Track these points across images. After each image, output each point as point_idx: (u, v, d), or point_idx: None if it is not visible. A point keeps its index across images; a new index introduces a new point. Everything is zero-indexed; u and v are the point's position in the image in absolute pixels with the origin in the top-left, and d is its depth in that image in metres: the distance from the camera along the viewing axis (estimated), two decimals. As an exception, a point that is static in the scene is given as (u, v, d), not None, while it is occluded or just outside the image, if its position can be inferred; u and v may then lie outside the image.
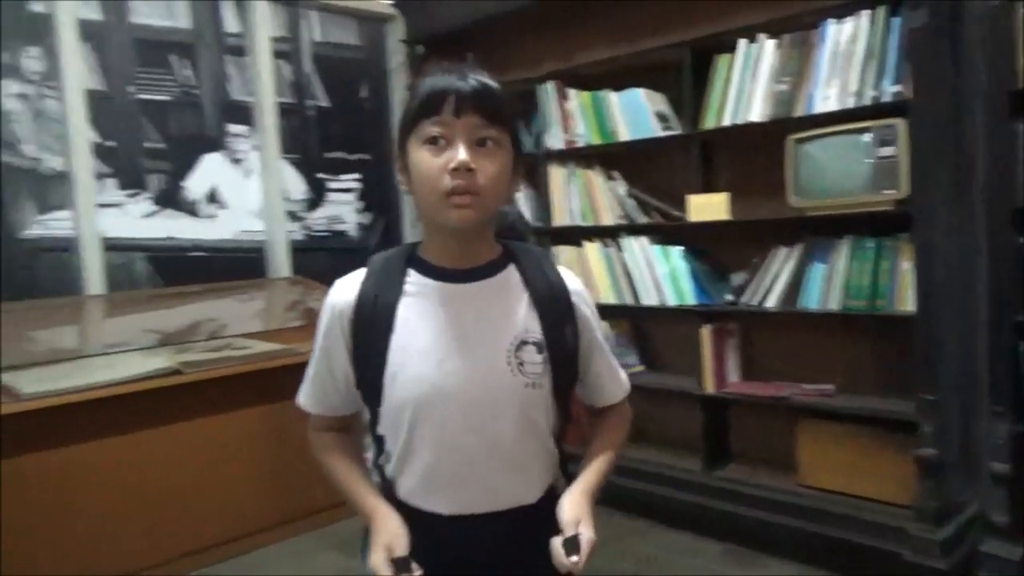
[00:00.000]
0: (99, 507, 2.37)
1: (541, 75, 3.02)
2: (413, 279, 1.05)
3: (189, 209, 3.25)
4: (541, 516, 1.03)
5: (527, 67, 3.20)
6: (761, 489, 2.49)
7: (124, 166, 3.07)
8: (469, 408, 1.01)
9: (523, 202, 3.19)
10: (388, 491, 1.07)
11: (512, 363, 1.01)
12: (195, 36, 3.28)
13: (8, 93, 2.77)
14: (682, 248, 2.68)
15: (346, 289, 1.06)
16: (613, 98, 2.81)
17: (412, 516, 1.03)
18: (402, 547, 0.99)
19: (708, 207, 2.55)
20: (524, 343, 1.02)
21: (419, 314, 1.03)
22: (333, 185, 3.75)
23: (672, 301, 2.71)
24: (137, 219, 3.10)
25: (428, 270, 1.05)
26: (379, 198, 3.89)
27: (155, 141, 3.16)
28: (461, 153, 0.95)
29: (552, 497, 1.06)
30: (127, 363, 2.57)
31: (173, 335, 3.03)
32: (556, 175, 3.02)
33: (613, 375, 1.16)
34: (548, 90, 2.99)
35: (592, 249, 2.92)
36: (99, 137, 2.99)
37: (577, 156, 2.96)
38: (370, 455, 1.10)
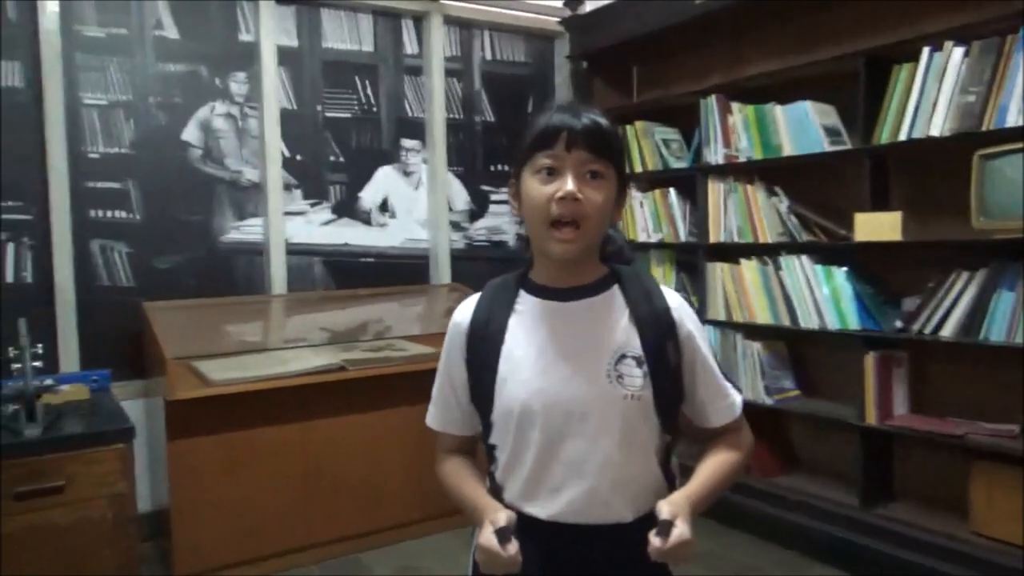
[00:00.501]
0: (266, 487, 2.62)
1: (704, 88, 2.97)
2: (523, 299, 1.13)
3: (363, 218, 3.51)
4: (635, 538, 1.01)
5: (691, 81, 3.17)
6: (926, 532, 2.30)
7: (309, 178, 3.37)
8: (570, 416, 1.05)
9: (679, 218, 3.16)
10: (497, 496, 1.13)
11: (612, 375, 1.05)
12: (377, 58, 3.54)
13: (218, 113, 3.15)
14: (846, 269, 2.53)
15: (464, 310, 1.17)
16: (779, 111, 2.71)
17: (518, 519, 1.07)
18: (504, 519, 1.02)
19: (878, 226, 2.39)
20: (624, 357, 1.06)
21: (526, 329, 1.10)
22: (495, 197, 3.90)
23: (834, 325, 2.56)
24: (317, 226, 3.39)
25: (536, 290, 1.13)
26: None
27: (337, 155, 3.45)
28: (569, 184, 1.01)
29: (652, 522, 1.03)
30: (300, 358, 2.83)
31: (342, 334, 3.29)
32: (714, 190, 2.95)
33: (722, 394, 1.14)
34: (711, 104, 2.94)
35: (749, 267, 2.83)
36: (289, 152, 3.31)
37: (737, 171, 2.88)
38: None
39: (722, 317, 2.93)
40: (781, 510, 2.70)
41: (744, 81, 2.88)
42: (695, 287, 3.10)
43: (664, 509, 0.99)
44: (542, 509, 1.08)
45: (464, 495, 1.14)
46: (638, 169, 3.32)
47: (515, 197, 1.12)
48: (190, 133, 3.09)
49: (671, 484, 1.12)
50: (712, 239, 2.98)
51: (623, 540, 1.07)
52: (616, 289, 1.11)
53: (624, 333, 1.08)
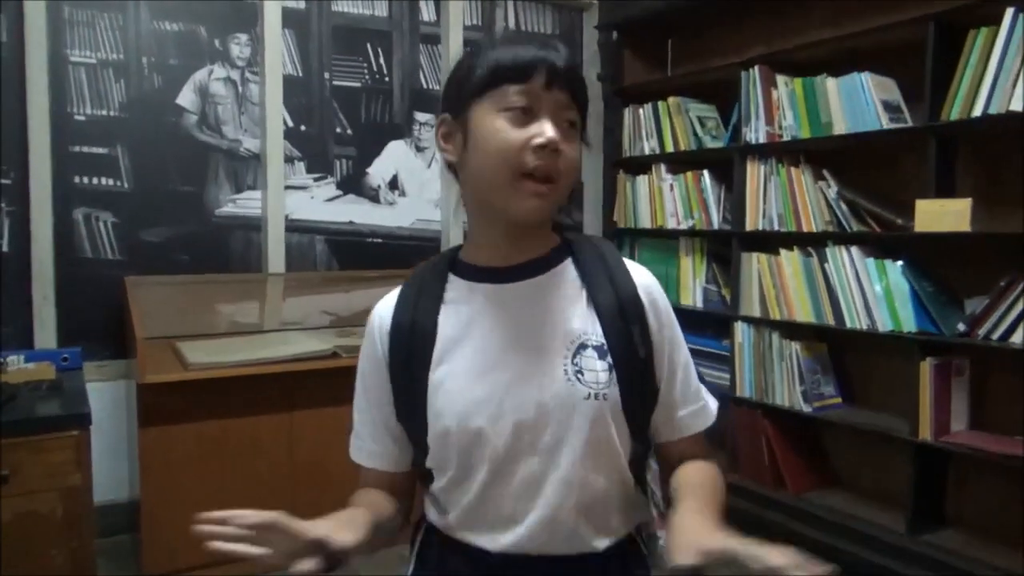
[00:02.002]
0: (246, 481, 2.39)
1: (746, 60, 2.67)
2: (454, 285, 0.92)
3: (371, 195, 3.27)
4: (609, 570, 0.88)
5: (730, 52, 2.88)
6: (980, 565, 2.01)
7: (313, 150, 3.14)
8: (521, 427, 0.85)
9: (712, 203, 2.87)
10: (440, 523, 0.93)
11: (570, 371, 0.85)
12: (392, 24, 3.30)
13: (216, 77, 2.92)
14: (903, 263, 2.23)
15: (382, 309, 0.95)
16: (831, 84, 2.40)
17: (454, 551, 0.91)
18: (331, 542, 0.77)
19: (942, 215, 2.09)
20: (584, 347, 0.86)
21: (460, 323, 0.89)
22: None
23: (885, 326, 2.26)
24: (321, 203, 3.16)
25: (470, 273, 0.92)
26: (561, 194, 3.71)
27: (344, 127, 3.21)
28: (550, 130, 0.81)
29: (631, 549, 0.90)
30: (292, 342, 2.60)
31: (344, 318, 3.05)
32: (753, 172, 2.66)
33: (699, 396, 0.95)
34: (753, 76, 2.64)
35: (790, 259, 2.53)
36: (292, 121, 3.08)
37: (781, 151, 2.59)
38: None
39: (757, 313, 2.64)
40: (816, 531, 2.41)
41: (791, 52, 2.57)
42: (728, 279, 2.81)
43: (681, 554, 0.71)
44: (492, 541, 0.87)
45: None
46: (669, 149, 3.03)
47: (448, 139, 0.89)
48: (185, 97, 2.87)
49: (650, 501, 0.94)
50: (749, 227, 2.68)
51: (593, 573, 0.88)
52: (569, 263, 0.92)
53: (582, 318, 0.88)
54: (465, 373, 0.87)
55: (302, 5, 3.08)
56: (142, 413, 2.24)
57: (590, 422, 0.85)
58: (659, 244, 3.14)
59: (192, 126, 2.89)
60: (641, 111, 3.14)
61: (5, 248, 2.60)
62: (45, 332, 2.64)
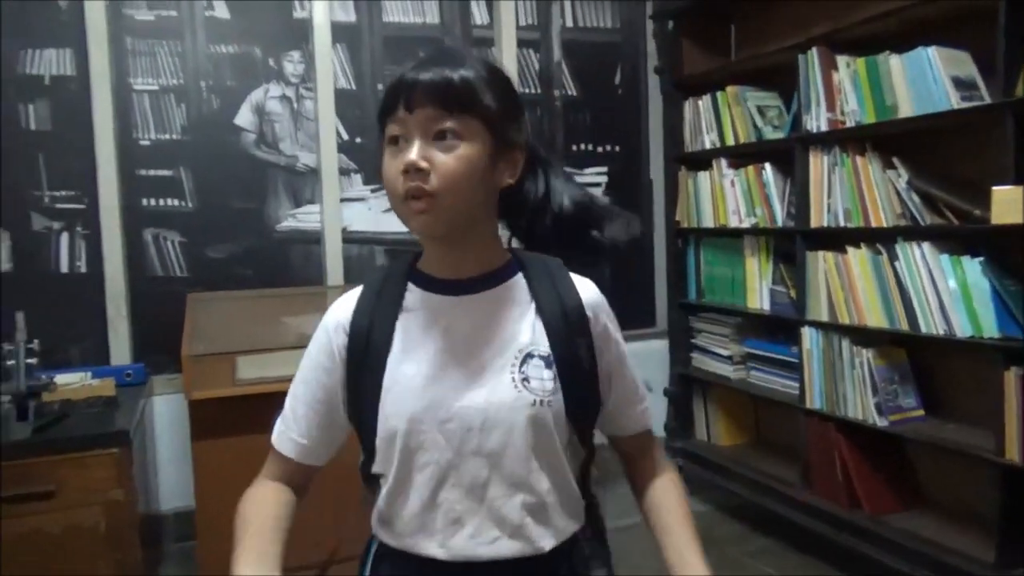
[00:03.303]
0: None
1: (804, 41, 2.46)
2: (412, 293, 0.96)
3: (427, 204, 3.26)
4: (555, 570, 0.94)
5: (792, 34, 2.66)
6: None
7: (370, 162, 3.16)
8: (468, 430, 0.90)
9: (776, 199, 2.66)
10: (385, 535, 0.97)
11: (516, 378, 0.91)
12: (443, 31, 3.27)
13: (272, 95, 3.00)
14: (982, 259, 1.98)
15: (341, 310, 0.98)
16: (895, 62, 2.17)
17: (405, 562, 0.94)
18: None
19: (1021, 204, 1.83)
20: (530, 356, 0.92)
21: (416, 329, 0.94)
22: (578, 179, 3.51)
23: (964, 331, 2.02)
24: (379, 213, 3.17)
25: (426, 282, 0.96)
26: (627, 192, 3.58)
27: (400, 136, 3.21)
28: (410, 152, 0.85)
29: (573, 549, 0.96)
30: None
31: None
32: (816, 164, 2.44)
33: (637, 397, 1.03)
34: (811, 58, 2.42)
35: (858, 257, 2.31)
36: (347, 134, 3.11)
37: (845, 139, 2.36)
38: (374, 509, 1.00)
39: (824, 318, 2.43)
40: (893, 557, 2.19)
41: (852, 28, 2.34)
42: (795, 280, 2.61)
43: None
44: (440, 548, 0.92)
45: (246, 535, 0.92)
46: (730, 142, 2.85)
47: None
48: (243, 117, 2.96)
49: (590, 499, 1.01)
50: (814, 223, 2.47)
51: (538, 572, 0.93)
52: (520, 278, 0.96)
53: (530, 330, 0.94)
54: (417, 377, 0.91)
55: (353, 18, 3.11)
56: (194, 427, 2.31)
57: (534, 427, 0.90)
58: (723, 244, 2.95)
59: (250, 144, 2.98)
60: (700, 103, 2.97)
61: (83, 269, 2.77)
62: (119, 348, 2.79)
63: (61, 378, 2.35)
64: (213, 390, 2.28)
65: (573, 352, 0.93)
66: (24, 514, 1.84)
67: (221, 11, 2.91)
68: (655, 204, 3.56)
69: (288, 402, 1.00)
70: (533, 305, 0.94)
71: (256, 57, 2.97)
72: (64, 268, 2.75)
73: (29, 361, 1.89)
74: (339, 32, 3.07)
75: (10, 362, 1.86)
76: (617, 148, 3.57)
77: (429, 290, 0.95)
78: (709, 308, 3.04)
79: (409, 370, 0.92)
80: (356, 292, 0.98)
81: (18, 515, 1.84)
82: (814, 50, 2.40)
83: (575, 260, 1.00)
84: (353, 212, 3.13)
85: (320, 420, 0.98)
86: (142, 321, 2.83)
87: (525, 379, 0.91)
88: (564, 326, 0.93)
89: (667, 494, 1.01)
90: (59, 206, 2.73)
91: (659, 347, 3.31)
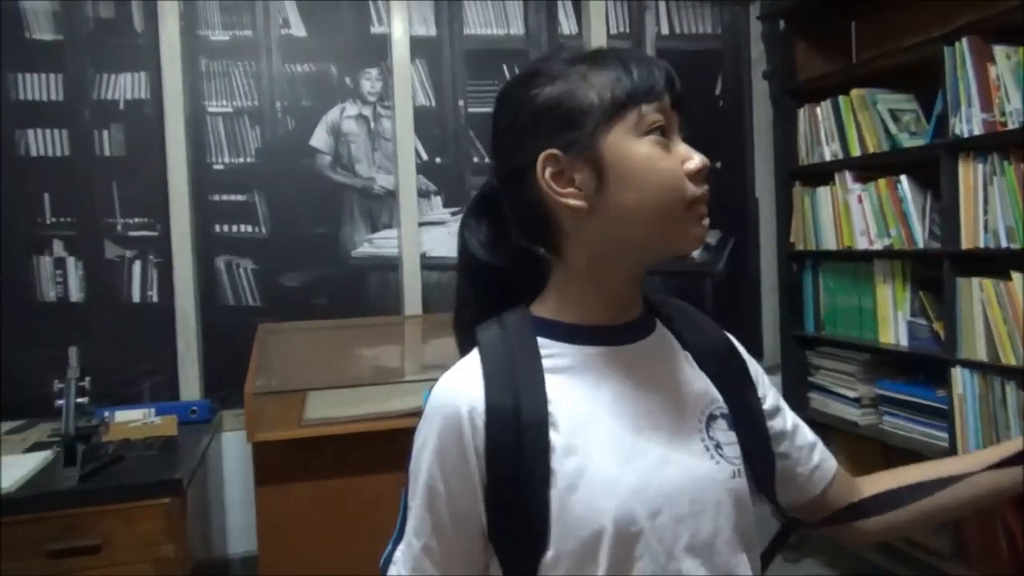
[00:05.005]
0: (362, 544, 2.19)
1: (950, 31, 2.10)
2: (554, 350, 0.75)
3: (511, 227, 3.03)
4: None
5: (929, 25, 2.29)
6: None
7: (450, 183, 2.96)
8: (679, 521, 0.70)
9: (915, 216, 2.29)
10: None
11: (709, 446, 0.75)
12: (528, 42, 3.06)
13: (348, 115, 2.84)
14: None
15: (463, 392, 0.72)
16: (1071, 50, 1.80)
17: None
18: None
19: None
20: (713, 417, 0.76)
21: (579, 396, 0.73)
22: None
23: None
24: (459, 238, 2.96)
25: (566, 333, 0.76)
26: (728, 213, 3.24)
27: (482, 156, 3.00)
28: (695, 153, 0.74)
29: None
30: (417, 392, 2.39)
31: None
32: (968, 173, 2.07)
33: (815, 440, 0.87)
34: (961, 51, 2.06)
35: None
36: (426, 154, 2.92)
37: (1004, 144, 1.98)
38: None
39: (983, 356, 2.03)
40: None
41: (1011, 13, 1.96)
42: (941, 311, 2.22)
43: None
44: None
45: None
46: (855, 152, 2.49)
47: (560, 180, 0.73)
48: (318, 138, 2.81)
49: None
50: (966, 244, 2.08)
51: None
52: (659, 324, 0.82)
53: (703, 385, 0.78)
54: (607, 461, 0.70)
55: (433, 32, 2.93)
56: (257, 470, 2.13)
57: (738, 505, 0.74)
58: (848, 269, 2.57)
59: (326, 166, 2.82)
60: (818, 110, 2.62)
61: (155, 299, 2.66)
62: (189, 381, 2.66)
63: (122, 415, 2.22)
64: (276, 432, 2.09)
65: (747, 404, 0.80)
66: (70, 571, 1.68)
67: (297, 29, 2.78)
68: (761, 224, 3.22)
69: (409, 524, 0.75)
70: (688, 354, 0.81)
71: (332, 75, 2.82)
72: (136, 298, 2.65)
73: (80, 400, 1.73)
74: (418, 47, 2.90)
75: (60, 402, 1.70)
76: (718, 164, 3.25)
77: (576, 342, 0.75)
78: (830, 342, 2.66)
79: (594, 452, 0.70)
80: (472, 370, 0.73)
81: (65, 571, 1.68)
82: (964, 41, 2.04)
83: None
84: (432, 237, 2.92)
85: (459, 544, 0.73)
86: (213, 353, 2.70)
87: (717, 445, 0.75)
88: (729, 375, 0.81)
89: (887, 474, 0.88)
90: (132, 234, 2.64)
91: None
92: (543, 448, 0.69)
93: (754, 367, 0.85)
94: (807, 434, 0.87)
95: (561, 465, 0.69)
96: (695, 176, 0.73)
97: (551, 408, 0.71)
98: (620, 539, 0.68)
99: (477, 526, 0.71)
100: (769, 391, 0.85)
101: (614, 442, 0.71)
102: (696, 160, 0.73)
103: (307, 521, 2.17)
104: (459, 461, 0.70)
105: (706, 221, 0.74)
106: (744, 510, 0.75)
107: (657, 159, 0.72)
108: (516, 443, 0.69)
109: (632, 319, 0.79)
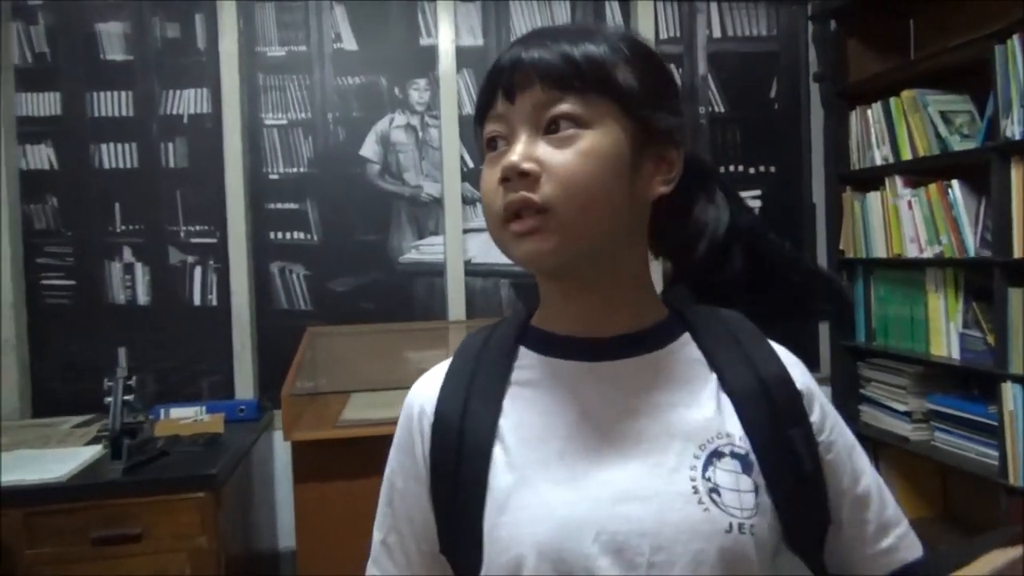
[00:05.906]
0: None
1: (1000, 29, 1.99)
2: (526, 361, 0.69)
3: (556, 234, 3.04)
4: None
5: (985, 21, 2.18)
6: None
7: (496, 190, 3.00)
8: (635, 568, 0.59)
9: (966, 223, 2.17)
10: None
11: (700, 488, 0.61)
12: (576, 49, 3.07)
13: (397, 125, 2.92)
14: None
15: (421, 392, 0.72)
16: None
17: None
18: None
19: None
20: (718, 454, 0.63)
21: (534, 413, 0.66)
22: (725, 204, 3.16)
23: None
24: (504, 244, 3.00)
25: (546, 344, 0.69)
26: (785, 218, 3.15)
27: (528, 163, 3.03)
28: (511, 154, 0.61)
29: None
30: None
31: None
32: (1019, 178, 1.96)
33: (897, 517, 0.71)
34: (1012, 49, 1.95)
35: (1080, 296, 1.80)
36: (472, 163, 2.98)
37: (1059, 148, 1.87)
38: None
39: (1035, 373, 1.92)
40: None
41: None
42: (994, 323, 2.10)
43: None
44: None
45: None
46: (906, 156, 2.38)
47: None
48: (368, 148, 2.91)
49: None
50: (1017, 253, 1.97)
51: None
52: (688, 340, 0.69)
53: (715, 415, 0.64)
54: (546, 483, 0.63)
55: (480, 42, 2.98)
56: (296, 469, 2.22)
57: (728, 567, 0.60)
58: (899, 277, 2.47)
59: (375, 175, 2.91)
60: (869, 112, 2.53)
61: (214, 302, 2.81)
62: (244, 381, 2.80)
63: (176, 412, 2.36)
64: (311, 432, 2.18)
65: (785, 446, 0.64)
66: (113, 556, 1.81)
67: (349, 43, 2.89)
68: (818, 230, 3.11)
69: (375, 533, 0.75)
70: (714, 378, 0.67)
71: (382, 87, 2.91)
72: (197, 301, 2.81)
73: (127, 398, 1.86)
74: (465, 56, 2.95)
75: (108, 399, 1.83)
76: (773, 169, 3.16)
77: (549, 354, 0.68)
78: (881, 353, 2.56)
79: (532, 473, 0.63)
80: (440, 369, 0.73)
81: (108, 557, 1.80)
82: (1015, 38, 1.93)
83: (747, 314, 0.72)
84: (477, 243, 2.97)
85: (419, 548, 0.71)
86: (267, 354, 2.83)
87: (713, 489, 0.61)
88: (767, 409, 0.65)
89: None
90: (193, 240, 2.80)
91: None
92: (483, 462, 0.64)
93: (825, 413, 0.70)
94: (886, 510, 0.71)
95: (497, 481, 0.63)
96: (501, 186, 0.62)
97: (502, 421, 0.66)
98: (541, 567, 0.59)
99: (432, 529, 0.69)
100: (838, 439, 0.69)
101: (565, 465, 0.63)
102: (496, 169, 0.63)
103: (342, 519, 2.23)
104: (409, 459, 0.70)
105: (524, 235, 0.61)
106: (739, 571, 0.61)
107: (485, 179, 0.65)
108: (456, 452, 0.66)
109: (622, 332, 0.68)
